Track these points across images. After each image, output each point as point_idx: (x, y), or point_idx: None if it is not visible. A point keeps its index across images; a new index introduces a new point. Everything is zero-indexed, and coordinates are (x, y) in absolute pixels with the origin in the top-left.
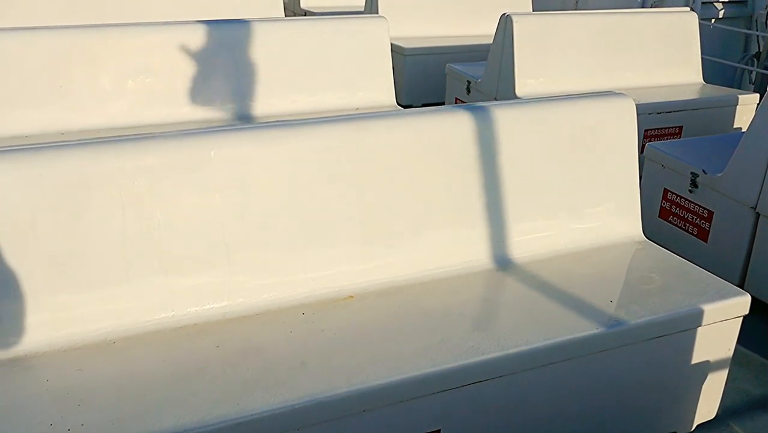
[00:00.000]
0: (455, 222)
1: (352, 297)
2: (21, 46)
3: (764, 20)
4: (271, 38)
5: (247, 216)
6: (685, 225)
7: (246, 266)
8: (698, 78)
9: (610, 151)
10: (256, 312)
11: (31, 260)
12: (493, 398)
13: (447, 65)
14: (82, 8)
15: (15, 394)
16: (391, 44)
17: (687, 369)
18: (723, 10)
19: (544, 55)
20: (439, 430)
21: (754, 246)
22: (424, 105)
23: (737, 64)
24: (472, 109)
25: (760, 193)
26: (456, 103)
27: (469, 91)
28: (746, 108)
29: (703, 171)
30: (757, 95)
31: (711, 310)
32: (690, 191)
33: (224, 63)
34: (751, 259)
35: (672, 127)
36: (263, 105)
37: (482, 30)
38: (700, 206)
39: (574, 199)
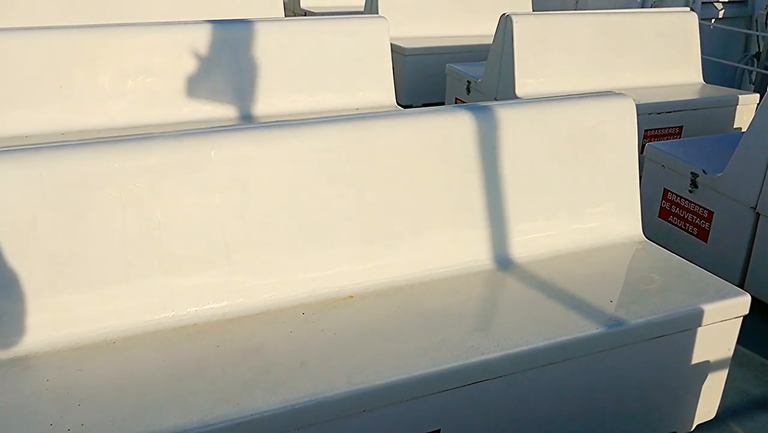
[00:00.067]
0: (455, 222)
1: (352, 297)
2: (21, 46)
3: (764, 20)
4: (271, 38)
5: (247, 216)
6: (685, 225)
7: (246, 266)
8: (698, 78)
9: (610, 151)
10: (256, 312)
11: (32, 259)
12: (493, 398)
13: (447, 65)
14: (82, 8)
15: (15, 394)
16: (391, 44)
17: (687, 369)
18: (723, 10)
19: (544, 55)
20: (439, 430)
21: (754, 246)
22: (424, 105)
23: (737, 64)
24: (472, 110)
25: (760, 193)
26: (456, 103)
27: (469, 91)
28: (746, 108)
29: (703, 171)
30: (757, 95)
31: (711, 310)
32: (690, 191)
33: (224, 63)
34: (751, 259)
35: (672, 128)
36: (263, 105)
37: (482, 30)
38: (700, 206)
39: (574, 199)
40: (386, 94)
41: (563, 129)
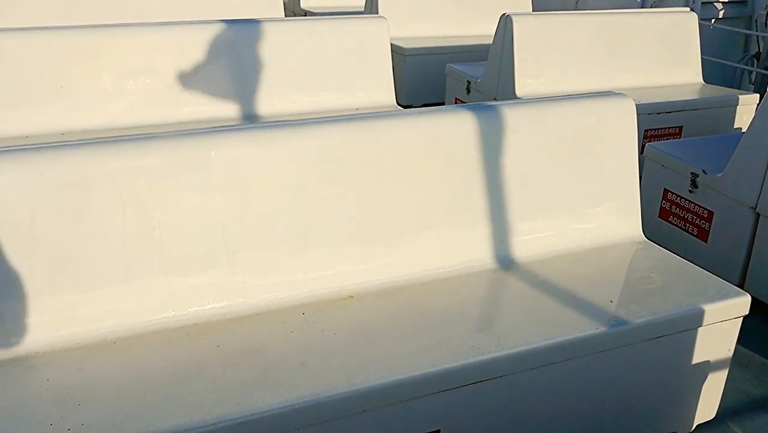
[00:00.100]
0: (455, 222)
1: (352, 297)
2: (21, 46)
3: (764, 20)
4: (271, 38)
5: (247, 216)
6: (685, 225)
7: (246, 266)
8: (698, 78)
9: (610, 152)
10: (257, 312)
11: (32, 260)
12: (493, 398)
13: (447, 65)
14: (82, 8)
15: (15, 393)
16: (391, 44)
17: (687, 369)
18: (723, 11)
19: (544, 55)
20: (439, 430)
21: (754, 246)
22: (424, 105)
23: (737, 65)
24: (472, 110)
25: (760, 193)
26: (456, 103)
27: (469, 92)
28: (746, 108)
29: (703, 171)
30: (757, 95)
31: (711, 310)
32: (690, 191)
33: (224, 63)
34: (751, 259)
35: (672, 128)
36: (263, 105)
37: (482, 30)
38: (700, 206)
39: (574, 199)
40: (386, 95)
41: (563, 129)
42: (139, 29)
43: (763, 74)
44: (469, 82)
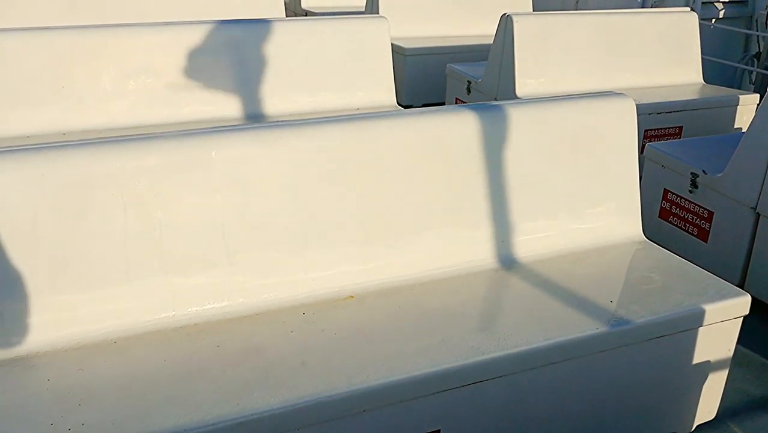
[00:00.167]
0: (455, 222)
1: (352, 297)
2: (22, 46)
3: (764, 20)
4: (272, 38)
5: (247, 216)
6: (685, 225)
7: (247, 265)
8: (698, 78)
9: (611, 152)
10: (257, 312)
11: (33, 259)
12: (493, 398)
13: (447, 65)
14: (83, 8)
15: (16, 393)
16: (392, 44)
17: (687, 369)
18: (723, 10)
19: (544, 55)
20: (439, 430)
21: (754, 246)
22: (424, 105)
23: (737, 65)
24: (473, 110)
25: (760, 193)
26: (456, 103)
27: (469, 92)
28: (746, 108)
29: (703, 171)
30: (757, 95)
31: (711, 310)
32: (690, 191)
33: (225, 63)
34: (751, 259)
35: (672, 128)
36: (264, 105)
37: (482, 30)
38: (700, 206)
39: (574, 199)
40: (387, 94)
41: (563, 129)
42: (140, 29)
43: (764, 74)
44: (469, 82)
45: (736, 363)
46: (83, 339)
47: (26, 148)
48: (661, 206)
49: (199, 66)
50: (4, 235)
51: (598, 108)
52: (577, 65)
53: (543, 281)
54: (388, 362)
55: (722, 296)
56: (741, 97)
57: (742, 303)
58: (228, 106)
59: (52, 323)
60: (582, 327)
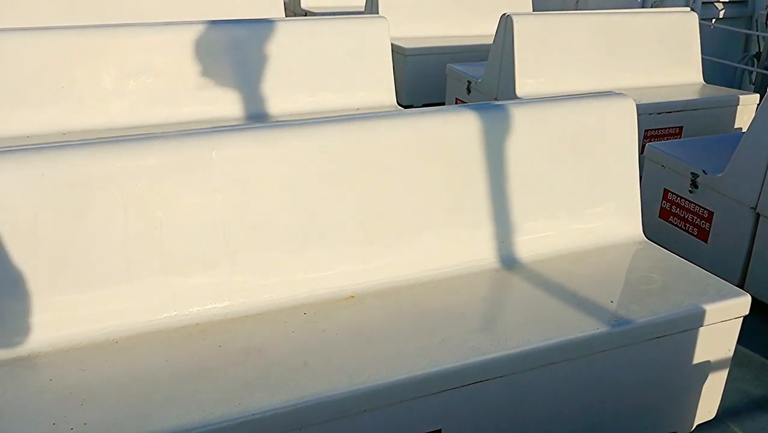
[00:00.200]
0: (455, 222)
1: (353, 297)
2: (22, 46)
3: (764, 20)
4: (272, 38)
5: (248, 216)
6: (685, 225)
7: (247, 266)
8: (698, 78)
9: (611, 152)
10: (258, 312)
11: (34, 259)
12: (493, 398)
13: (447, 65)
14: (82, 8)
15: (18, 393)
16: (392, 44)
17: (687, 369)
18: (723, 10)
19: (544, 55)
20: (440, 430)
21: (754, 246)
22: (424, 105)
23: (737, 65)
24: (473, 110)
25: (760, 193)
26: (456, 103)
27: (469, 92)
28: (746, 108)
29: (704, 171)
30: (758, 95)
31: (711, 310)
32: (690, 191)
33: (225, 63)
34: (751, 259)
35: (672, 128)
36: (264, 105)
37: (482, 30)
38: (701, 207)
39: (574, 199)
40: (387, 95)
41: (564, 129)
42: (140, 29)
43: (764, 74)
44: (469, 82)
45: (736, 363)
46: (84, 339)
47: (26, 148)
48: (662, 206)
49: (199, 66)
50: (5, 235)
51: (599, 108)
52: (577, 65)
53: (543, 281)
54: (388, 362)
55: (722, 296)
56: (741, 97)
57: (742, 303)
58: (228, 106)
59: (53, 323)
60: (582, 327)
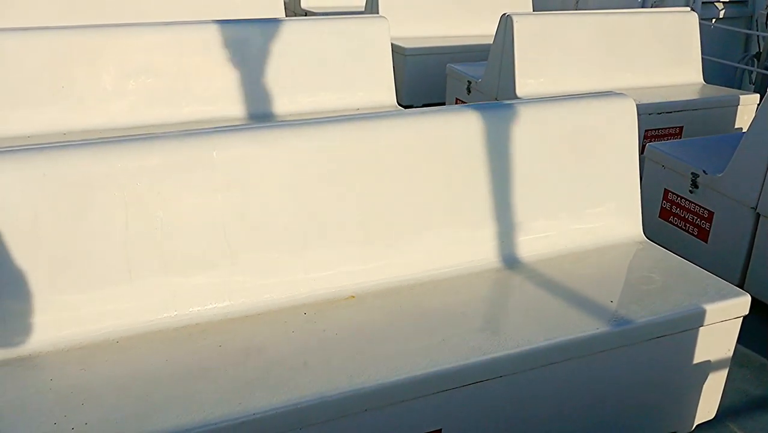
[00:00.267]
0: (456, 222)
1: (353, 297)
2: (22, 46)
3: (765, 20)
4: (272, 38)
5: (248, 216)
6: (685, 225)
7: (248, 265)
8: (699, 78)
9: (611, 152)
10: (258, 312)
11: (35, 259)
12: (493, 397)
13: (447, 65)
14: (82, 8)
15: (19, 393)
16: (392, 44)
17: (687, 369)
18: (723, 10)
19: (544, 55)
20: (440, 429)
21: (754, 246)
22: (424, 105)
23: (738, 65)
24: (473, 110)
25: (760, 193)
26: (456, 103)
27: (469, 92)
28: (747, 108)
29: (704, 171)
30: (758, 95)
31: (711, 310)
32: (690, 192)
33: (225, 63)
34: (751, 259)
35: (672, 128)
36: (264, 105)
37: (482, 30)
38: (701, 207)
39: (574, 199)
40: (387, 95)
41: (564, 129)
42: (140, 29)
43: (764, 74)
44: (469, 82)
45: (736, 363)
46: (85, 339)
47: (27, 148)
48: (662, 206)
49: (199, 66)
50: (6, 235)
51: (599, 108)
52: (577, 65)
53: (543, 281)
54: (389, 361)
55: (722, 296)
56: (741, 97)
57: (742, 303)
58: (228, 106)
59: (54, 322)
60: (582, 327)
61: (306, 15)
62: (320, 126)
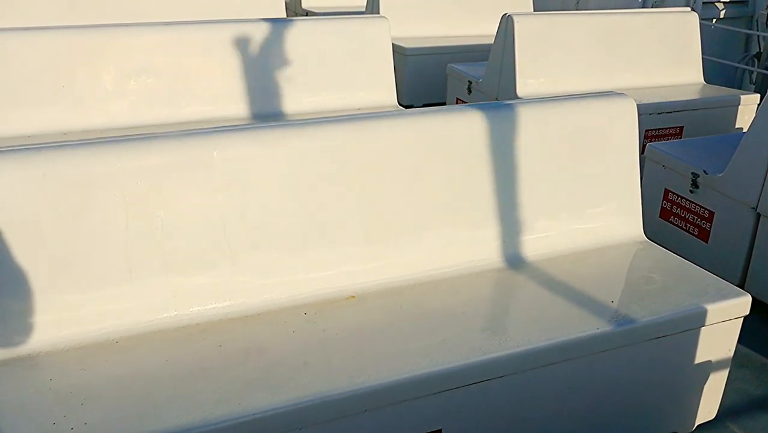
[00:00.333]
0: (456, 222)
1: (353, 297)
2: (23, 46)
3: (765, 20)
4: (273, 38)
5: (249, 216)
6: (685, 225)
7: (248, 265)
8: (699, 78)
9: (611, 152)
10: (258, 312)
11: (35, 259)
12: (494, 397)
13: (448, 65)
14: (83, 8)
15: (19, 393)
16: (393, 44)
17: (688, 369)
18: (724, 10)
19: (545, 55)
20: (441, 430)
21: (754, 246)
22: (425, 105)
23: (738, 65)
24: (473, 110)
25: (760, 193)
26: (457, 103)
27: (470, 92)
28: (747, 108)
29: (704, 171)
30: (758, 95)
31: (712, 310)
32: (691, 192)
33: (225, 63)
34: (751, 259)
35: (673, 128)
36: (265, 105)
37: (483, 30)
38: (701, 207)
39: (575, 199)
40: (387, 94)
41: (564, 129)
42: (140, 29)
43: (764, 74)
44: (470, 82)
45: (736, 363)
46: (85, 339)
47: (27, 148)
48: (662, 206)
49: (199, 66)
50: (6, 235)
51: (599, 108)
52: (577, 65)
53: (544, 281)
54: (389, 361)
55: (723, 296)
56: (742, 97)
57: (743, 303)
58: (228, 106)
59: (54, 322)
60: (583, 327)
61: (307, 15)
62: (321, 126)
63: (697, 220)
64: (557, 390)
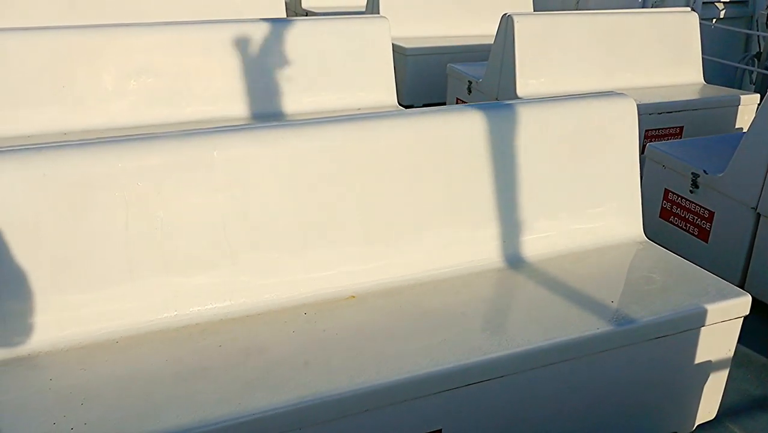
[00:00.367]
0: (456, 222)
1: (353, 297)
2: (23, 46)
3: (765, 20)
4: (273, 38)
5: (249, 216)
6: (685, 225)
7: (248, 265)
8: (699, 78)
9: (611, 152)
10: (259, 312)
11: (35, 259)
12: (494, 397)
13: (448, 65)
14: (83, 8)
15: (19, 392)
16: (393, 44)
17: (688, 369)
18: (724, 10)
19: (545, 55)
20: (441, 429)
21: (754, 246)
22: (425, 105)
23: (738, 65)
24: (473, 110)
25: (760, 193)
26: (457, 103)
27: (470, 92)
28: (747, 108)
29: (704, 171)
30: (758, 95)
31: (712, 310)
32: (691, 192)
33: (225, 63)
34: (751, 259)
35: (673, 128)
36: (265, 105)
37: (483, 30)
38: (701, 207)
39: (575, 199)
40: (387, 94)
41: (564, 129)
42: (140, 29)
43: (764, 74)
44: (470, 82)
45: (736, 363)
46: (85, 339)
47: (27, 148)
48: (662, 206)
49: (199, 66)
50: (6, 235)
51: (599, 108)
52: (577, 65)
53: (544, 281)
54: (389, 361)
55: (723, 296)
56: (742, 97)
57: (743, 303)
58: (228, 106)
59: (55, 322)
60: (583, 327)
61: (307, 15)
62: (321, 126)
63: (697, 220)
64: (557, 390)
